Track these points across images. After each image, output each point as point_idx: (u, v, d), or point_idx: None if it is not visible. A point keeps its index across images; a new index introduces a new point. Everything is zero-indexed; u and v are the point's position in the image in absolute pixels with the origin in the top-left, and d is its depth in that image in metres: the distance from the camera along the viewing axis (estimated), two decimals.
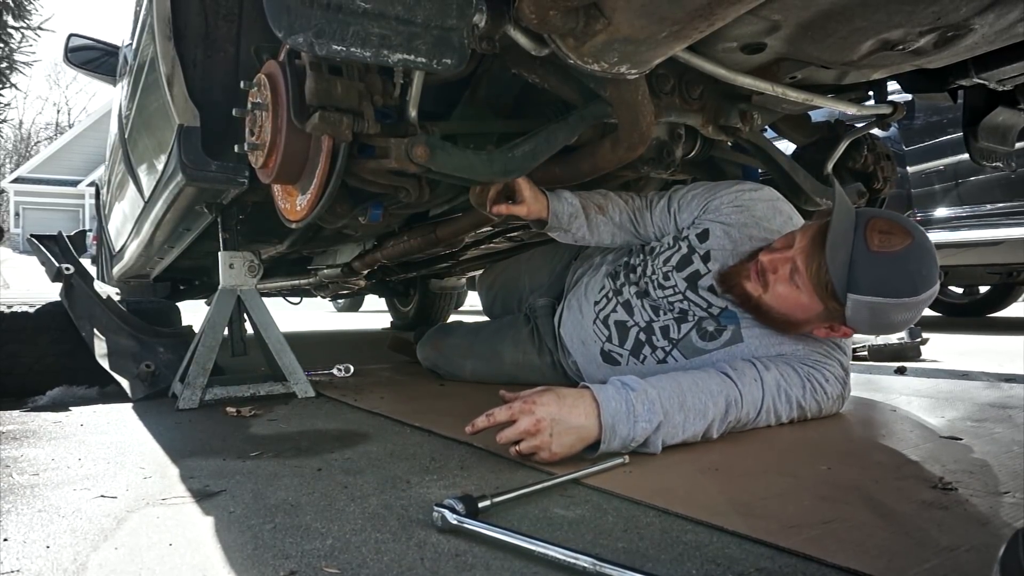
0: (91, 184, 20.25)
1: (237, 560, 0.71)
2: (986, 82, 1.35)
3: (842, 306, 1.19)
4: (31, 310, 1.93)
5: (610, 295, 1.58)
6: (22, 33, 6.88)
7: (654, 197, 1.60)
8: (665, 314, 1.46)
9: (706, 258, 1.42)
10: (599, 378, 1.65)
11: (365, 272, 2.49)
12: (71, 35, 3.30)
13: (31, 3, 6.96)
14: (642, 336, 1.48)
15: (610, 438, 1.04)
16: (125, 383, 1.79)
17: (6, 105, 7.91)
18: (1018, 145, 1.74)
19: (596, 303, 1.60)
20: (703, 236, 1.44)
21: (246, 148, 1.28)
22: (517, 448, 1.04)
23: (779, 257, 1.26)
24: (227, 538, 0.77)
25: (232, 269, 1.75)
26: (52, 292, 2.11)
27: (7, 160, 32.48)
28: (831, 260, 1.16)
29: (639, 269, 1.55)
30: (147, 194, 2.08)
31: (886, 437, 1.25)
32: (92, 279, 2.18)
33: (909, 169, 3.56)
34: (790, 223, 1.44)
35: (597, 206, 1.55)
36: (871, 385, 1.84)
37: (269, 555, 0.72)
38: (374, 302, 6.90)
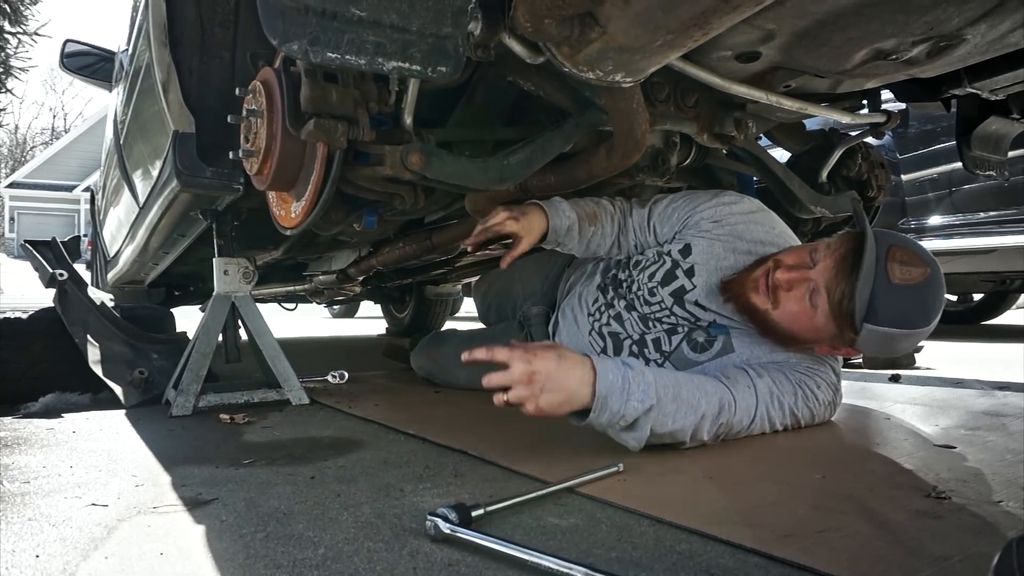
0: (86, 189, 20.21)
1: (228, 570, 0.70)
2: (979, 92, 1.36)
3: (856, 334, 1.19)
4: (25, 316, 1.93)
5: (603, 307, 1.58)
6: (18, 38, 6.87)
7: (634, 207, 1.58)
8: (655, 327, 1.46)
9: (690, 273, 1.42)
10: None
11: (360, 278, 2.49)
12: (67, 41, 3.30)
13: (27, 8, 6.96)
14: (635, 348, 1.48)
15: (600, 409, 1.04)
16: (118, 389, 1.78)
17: (2, 110, 7.90)
18: (1011, 154, 1.75)
19: (591, 314, 1.60)
20: (685, 251, 1.44)
21: (241, 154, 1.28)
22: (505, 397, 1.03)
23: (796, 277, 1.24)
24: (218, 547, 0.76)
25: (227, 275, 1.75)
26: (46, 298, 2.10)
27: (2, 165, 32.41)
28: (860, 293, 1.15)
29: (626, 284, 1.54)
30: (142, 200, 2.08)
31: (880, 445, 1.25)
32: (86, 285, 2.17)
33: (903, 177, 3.58)
34: (772, 232, 1.44)
35: (590, 216, 1.54)
36: (865, 393, 1.84)
37: (261, 564, 0.71)
38: (369, 308, 6.89)
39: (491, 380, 1.03)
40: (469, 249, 1.45)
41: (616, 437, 1.11)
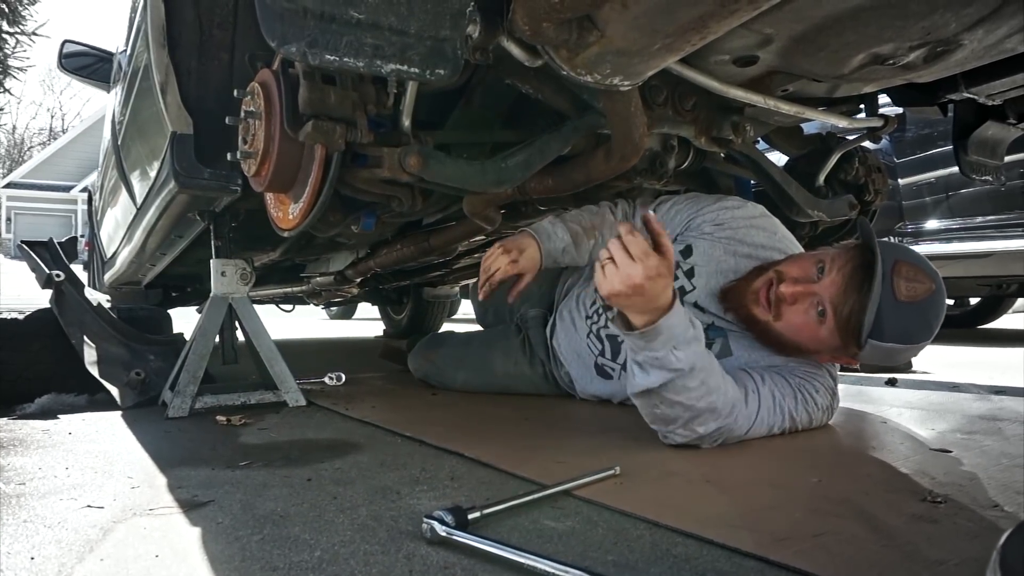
0: (84, 190, 20.16)
1: (224, 572, 0.70)
2: (976, 96, 1.36)
3: (860, 349, 1.20)
4: (21, 316, 1.92)
5: (601, 309, 1.58)
6: (16, 38, 6.86)
7: (637, 211, 1.59)
8: None
9: (690, 274, 1.43)
10: (592, 390, 1.65)
11: (358, 280, 2.49)
12: (65, 41, 3.30)
13: (26, 8, 6.95)
14: None
15: (650, 336, 1.07)
16: (115, 391, 1.77)
17: (0, 110, 7.89)
18: (1007, 158, 1.76)
19: (588, 317, 1.60)
20: (686, 252, 1.45)
21: (239, 156, 1.28)
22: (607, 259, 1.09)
23: (801, 291, 1.24)
24: (214, 549, 0.76)
25: (224, 277, 1.75)
26: (43, 299, 2.10)
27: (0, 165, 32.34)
28: (869, 313, 1.15)
29: None
30: (139, 201, 2.07)
31: (876, 449, 1.25)
32: (83, 286, 2.17)
33: (900, 181, 3.59)
34: (774, 237, 1.44)
35: (587, 230, 1.55)
36: (862, 397, 1.84)
37: (257, 567, 0.71)
38: (367, 310, 6.89)
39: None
40: (481, 297, 1.54)
41: (631, 361, 1.14)
